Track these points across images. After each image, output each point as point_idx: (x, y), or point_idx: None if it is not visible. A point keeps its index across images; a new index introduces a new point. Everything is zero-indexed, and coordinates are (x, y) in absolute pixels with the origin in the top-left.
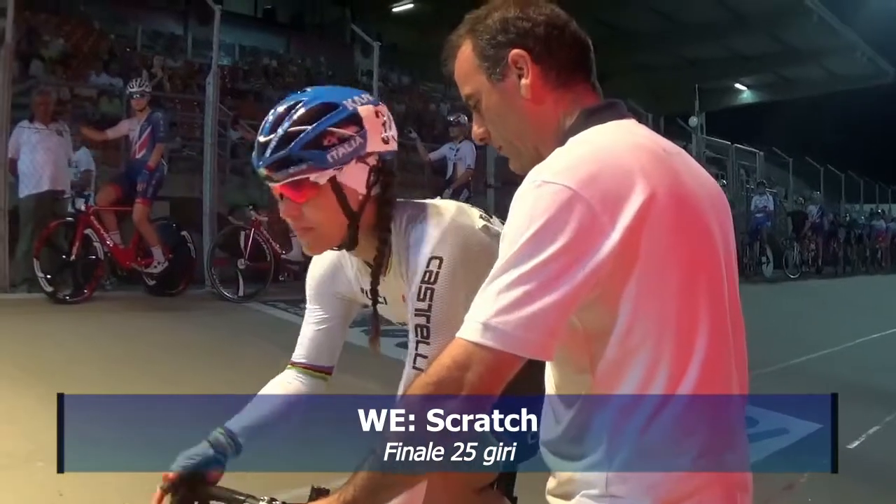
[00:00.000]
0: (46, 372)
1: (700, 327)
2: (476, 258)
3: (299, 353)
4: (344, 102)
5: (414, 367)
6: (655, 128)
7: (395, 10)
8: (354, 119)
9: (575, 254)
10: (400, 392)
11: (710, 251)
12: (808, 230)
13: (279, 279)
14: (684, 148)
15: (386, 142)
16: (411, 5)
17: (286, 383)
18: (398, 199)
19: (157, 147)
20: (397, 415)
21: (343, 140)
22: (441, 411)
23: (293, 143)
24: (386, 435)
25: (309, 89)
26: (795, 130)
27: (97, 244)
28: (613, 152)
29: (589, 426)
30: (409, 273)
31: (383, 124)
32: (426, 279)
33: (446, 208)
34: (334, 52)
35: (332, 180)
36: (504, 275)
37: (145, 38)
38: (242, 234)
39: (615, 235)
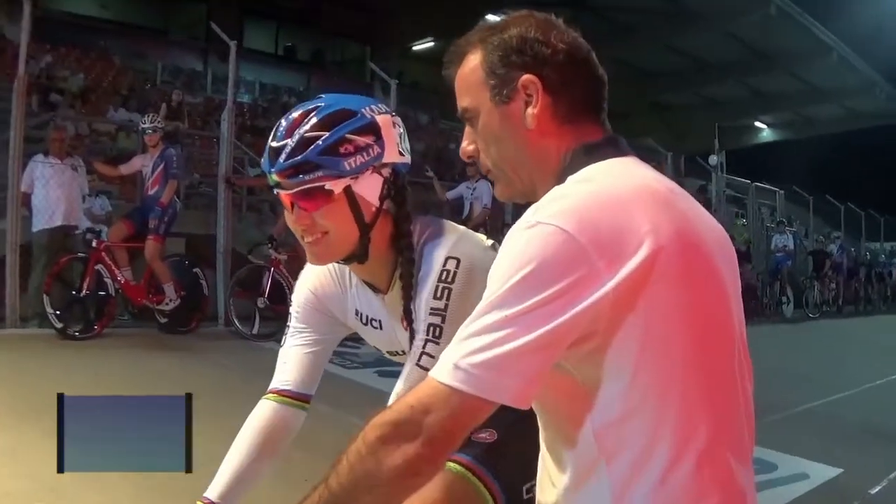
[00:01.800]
0: (53, 409)
1: (708, 381)
2: (488, 270)
3: (281, 379)
4: (362, 110)
5: (417, 365)
6: (675, 167)
7: (414, 48)
8: (372, 128)
9: (563, 301)
10: (395, 392)
11: (720, 297)
12: (828, 269)
13: None
14: (704, 187)
15: (402, 154)
16: (431, 43)
17: (264, 423)
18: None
19: (170, 183)
20: (352, 451)
21: (360, 148)
22: (395, 457)
23: (309, 149)
24: (337, 469)
25: (324, 95)
26: (815, 168)
27: (108, 280)
28: (616, 194)
29: (589, 491)
30: (422, 277)
31: (399, 135)
32: (443, 278)
33: (454, 225)
34: (354, 90)
35: (347, 189)
36: (484, 316)
37: (165, 73)
38: (263, 273)
39: (612, 284)
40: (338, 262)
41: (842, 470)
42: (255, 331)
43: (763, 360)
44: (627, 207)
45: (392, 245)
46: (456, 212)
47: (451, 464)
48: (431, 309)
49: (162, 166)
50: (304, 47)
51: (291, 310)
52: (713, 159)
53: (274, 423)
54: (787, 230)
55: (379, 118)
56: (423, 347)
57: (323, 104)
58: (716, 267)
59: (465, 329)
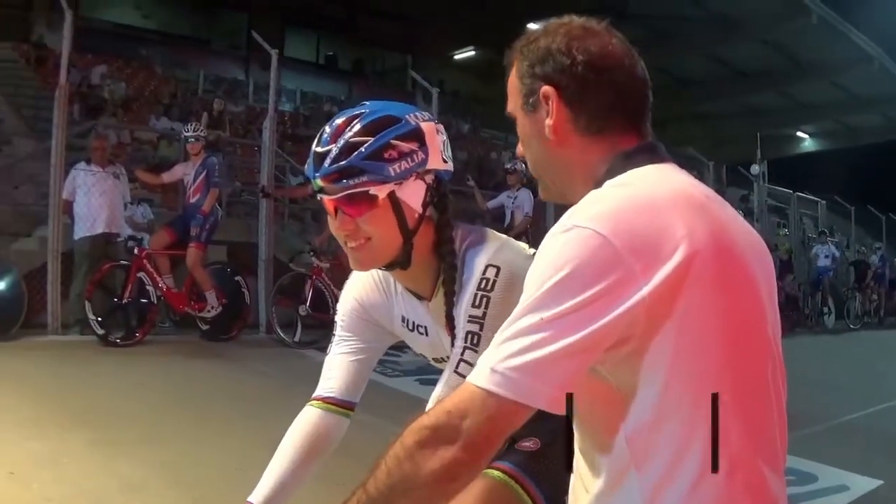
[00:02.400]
0: (95, 416)
1: (742, 387)
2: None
3: (326, 387)
4: (406, 117)
5: (455, 371)
6: (717, 176)
7: (456, 57)
8: (416, 134)
9: (599, 304)
10: (434, 397)
11: (754, 303)
12: (870, 280)
13: None
14: (746, 197)
15: (445, 161)
16: (472, 52)
17: (311, 427)
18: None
19: (212, 192)
20: (390, 456)
21: (404, 154)
22: (433, 461)
23: (354, 154)
24: (376, 474)
25: (368, 102)
26: (857, 178)
27: (150, 288)
28: (652, 198)
29: (620, 497)
30: (463, 284)
31: (443, 143)
32: (482, 286)
33: (496, 233)
34: (395, 99)
35: (391, 195)
36: (521, 319)
37: (207, 82)
38: (305, 281)
39: (647, 288)
40: (380, 269)
41: (882, 482)
42: (296, 338)
43: (804, 370)
44: (663, 212)
45: (434, 252)
46: (497, 221)
47: (493, 471)
48: (470, 316)
49: (204, 174)
50: (345, 56)
51: (337, 318)
52: (755, 169)
53: (318, 430)
54: (829, 241)
55: (423, 125)
56: (462, 354)
57: (367, 110)
58: (750, 273)
59: (502, 333)
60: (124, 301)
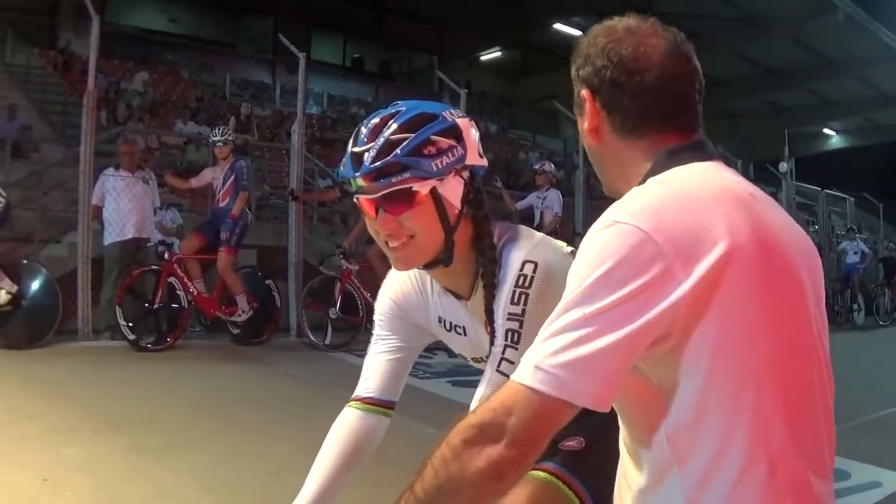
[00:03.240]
0: (128, 422)
1: (785, 386)
2: (566, 275)
3: (366, 387)
4: (443, 114)
5: (497, 370)
6: (745, 174)
7: (482, 58)
8: (454, 130)
9: (640, 300)
10: (477, 398)
11: (798, 301)
12: None
13: (367, 327)
14: (774, 194)
15: (481, 156)
16: (499, 53)
17: (351, 428)
18: None
19: (241, 195)
20: (437, 457)
21: (444, 150)
22: (479, 460)
23: (395, 151)
24: (423, 475)
25: (401, 102)
26: (885, 175)
27: (181, 293)
28: (694, 195)
29: (662, 494)
30: (500, 281)
31: (477, 139)
32: (520, 283)
33: (533, 231)
34: (422, 100)
35: (433, 191)
36: (564, 315)
37: (234, 86)
38: (335, 284)
39: (688, 284)
40: (421, 268)
41: None
42: (327, 341)
43: (834, 367)
44: (704, 208)
45: (473, 248)
46: (526, 221)
47: (538, 472)
48: (509, 314)
49: (232, 178)
50: (372, 58)
51: (375, 317)
52: (783, 166)
53: (358, 431)
54: (858, 237)
55: (459, 121)
56: (503, 353)
57: (403, 108)
58: (795, 271)
59: (545, 330)
60: (155, 306)
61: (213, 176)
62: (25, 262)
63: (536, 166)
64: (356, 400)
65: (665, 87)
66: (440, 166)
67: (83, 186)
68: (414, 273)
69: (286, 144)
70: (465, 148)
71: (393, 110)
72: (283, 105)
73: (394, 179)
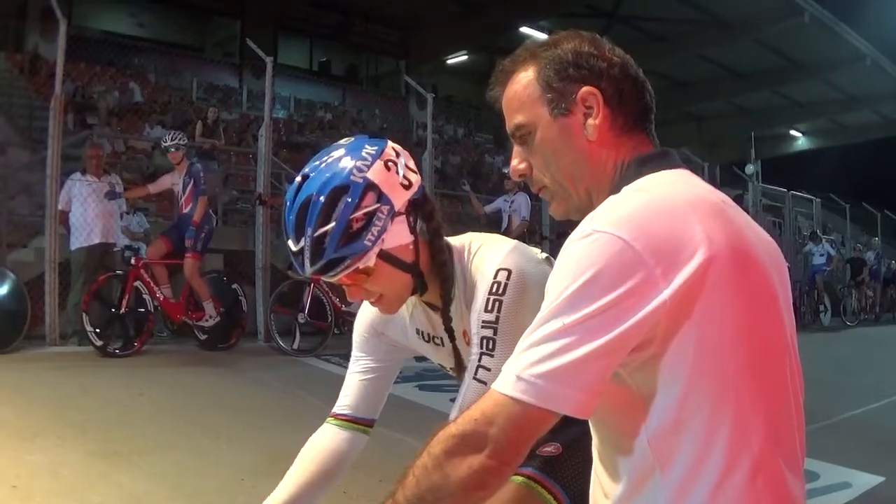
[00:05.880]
0: (95, 427)
1: (762, 388)
2: (540, 282)
3: (343, 404)
4: (351, 178)
5: (475, 378)
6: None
7: (448, 61)
8: (369, 189)
9: (621, 308)
10: (457, 406)
11: (771, 306)
12: (865, 276)
13: (335, 332)
14: (740, 196)
15: (407, 186)
16: (465, 57)
17: (325, 444)
18: (459, 236)
19: (200, 200)
20: (418, 465)
21: (370, 216)
22: (461, 469)
23: (325, 248)
24: (404, 484)
25: (309, 170)
26: (851, 176)
27: (147, 298)
28: (670, 202)
29: (643, 501)
30: (476, 291)
31: (397, 171)
32: (494, 290)
33: (507, 239)
34: (389, 104)
35: (381, 254)
36: (544, 325)
37: (201, 90)
38: (304, 288)
39: (668, 291)
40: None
41: (884, 478)
42: (295, 346)
43: (802, 368)
44: (682, 216)
45: (433, 267)
46: (494, 225)
47: (517, 477)
48: (483, 322)
49: (191, 184)
50: (339, 62)
51: (353, 336)
52: (749, 168)
53: (332, 447)
54: (824, 238)
55: (370, 174)
56: (479, 361)
57: (313, 189)
58: (767, 276)
59: (525, 340)
60: (122, 311)
61: (171, 181)
62: None
63: (506, 170)
64: (333, 416)
65: (648, 93)
66: (373, 237)
67: (50, 191)
68: None
69: (253, 148)
70: (389, 200)
71: (304, 192)
72: (250, 109)
73: (338, 269)
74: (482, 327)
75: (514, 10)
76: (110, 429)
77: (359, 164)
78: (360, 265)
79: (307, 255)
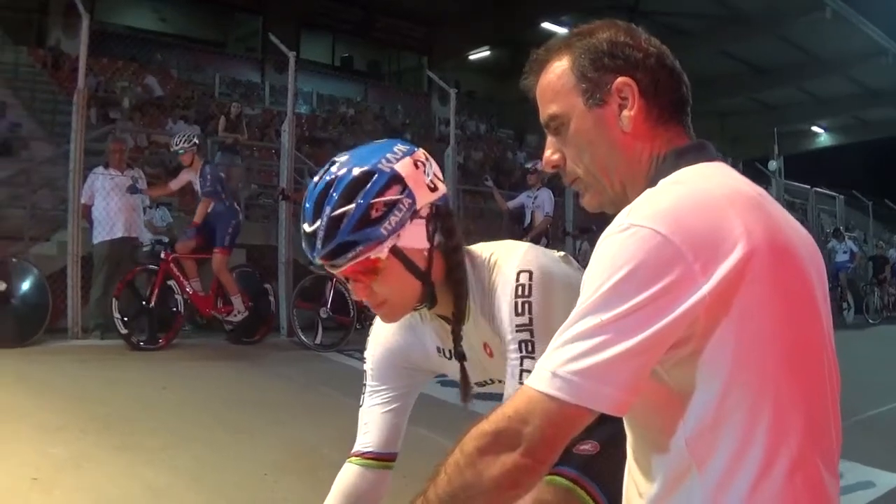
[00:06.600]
0: (117, 421)
1: (801, 386)
2: (563, 277)
3: (364, 442)
4: (379, 166)
5: (521, 383)
6: None
7: (471, 57)
8: (395, 180)
9: (660, 304)
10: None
11: (809, 301)
12: (887, 274)
13: (358, 328)
14: None
15: (433, 188)
16: (487, 53)
17: (349, 488)
18: (468, 247)
19: (202, 201)
20: (450, 463)
21: (391, 206)
22: (494, 467)
23: (341, 228)
24: (436, 482)
25: (338, 158)
26: (874, 173)
27: (178, 297)
28: (708, 196)
29: (679, 500)
30: (497, 300)
31: (424, 171)
32: (520, 293)
33: (519, 243)
34: (411, 100)
35: (394, 249)
36: (580, 321)
37: (223, 86)
38: (326, 283)
39: (707, 287)
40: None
41: None
42: (317, 341)
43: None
44: (720, 209)
45: (448, 281)
46: (517, 220)
47: (557, 477)
48: (517, 326)
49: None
50: (361, 58)
51: (366, 367)
52: (773, 165)
53: (359, 488)
54: (847, 236)
55: (398, 166)
56: (521, 365)
57: (339, 172)
58: (805, 272)
59: (560, 336)
60: (151, 305)
61: (190, 178)
62: (14, 259)
63: (529, 165)
64: (356, 455)
65: (684, 84)
66: (390, 227)
67: (73, 185)
68: None
69: (276, 144)
70: (412, 195)
71: (330, 175)
72: (272, 104)
73: (349, 255)
74: (517, 331)
75: (536, 5)
76: (133, 422)
77: (388, 155)
78: (372, 254)
79: (320, 235)
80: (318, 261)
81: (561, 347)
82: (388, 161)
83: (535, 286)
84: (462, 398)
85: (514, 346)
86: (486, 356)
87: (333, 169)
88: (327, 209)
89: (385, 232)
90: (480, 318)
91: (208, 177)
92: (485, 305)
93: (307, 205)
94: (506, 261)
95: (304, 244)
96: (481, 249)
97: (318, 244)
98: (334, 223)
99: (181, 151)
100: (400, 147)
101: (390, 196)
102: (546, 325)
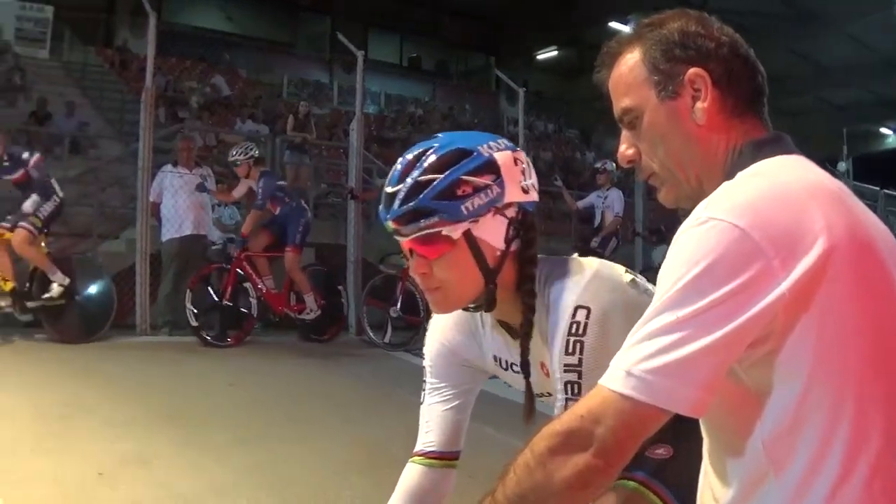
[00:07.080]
0: (184, 417)
1: (884, 388)
2: (625, 311)
3: (427, 441)
4: (479, 148)
5: None
6: None
7: (538, 56)
8: (490, 166)
9: (738, 300)
10: None
11: (891, 298)
12: None
13: (427, 328)
14: None
15: (526, 191)
16: (555, 52)
17: (414, 489)
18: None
19: (252, 213)
20: (520, 464)
21: (478, 189)
22: (565, 468)
23: (423, 194)
24: (505, 482)
25: (441, 135)
26: None
27: (252, 300)
28: (789, 189)
29: None
30: (551, 328)
31: (522, 171)
32: (574, 331)
33: (588, 261)
34: (479, 100)
35: (467, 234)
36: (656, 318)
37: (291, 86)
38: (396, 282)
39: (787, 283)
40: (462, 309)
41: None
42: (386, 339)
43: None
44: (800, 203)
45: (514, 291)
46: (586, 220)
47: (627, 481)
48: (565, 366)
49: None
50: (428, 58)
51: (425, 364)
52: (842, 166)
53: (423, 488)
54: None
55: (497, 155)
56: (565, 407)
57: (437, 144)
58: (887, 268)
59: (635, 333)
60: (223, 302)
61: (248, 186)
62: (79, 256)
63: (598, 165)
64: (418, 455)
65: (760, 74)
66: (471, 208)
67: (141, 183)
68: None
69: (344, 143)
70: (502, 185)
71: (428, 145)
72: (340, 104)
73: (422, 223)
74: (565, 371)
75: (603, 4)
76: (201, 418)
77: (491, 143)
78: (444, 230)
79: (400, 195)
80: (390, 224)
81: (636, 345)
82: (490, 148)
83: (591, 326)
84: (525, 415)
85: (560, 387)
86: (542, 375)
87: (432, 141)
88: (415, 172)
89: (465, 212)
90: (538, 337)
91: (261, 190)
92: (542, 324)
93: (396, 167)
94: (565, 287)
95: (381, 206)
96: (547, 266)
97: (396, 204)
98: (418, 188)
99: (237, 163)
100: (504, 141)
101: (481, 179)
102: (595, 367)
